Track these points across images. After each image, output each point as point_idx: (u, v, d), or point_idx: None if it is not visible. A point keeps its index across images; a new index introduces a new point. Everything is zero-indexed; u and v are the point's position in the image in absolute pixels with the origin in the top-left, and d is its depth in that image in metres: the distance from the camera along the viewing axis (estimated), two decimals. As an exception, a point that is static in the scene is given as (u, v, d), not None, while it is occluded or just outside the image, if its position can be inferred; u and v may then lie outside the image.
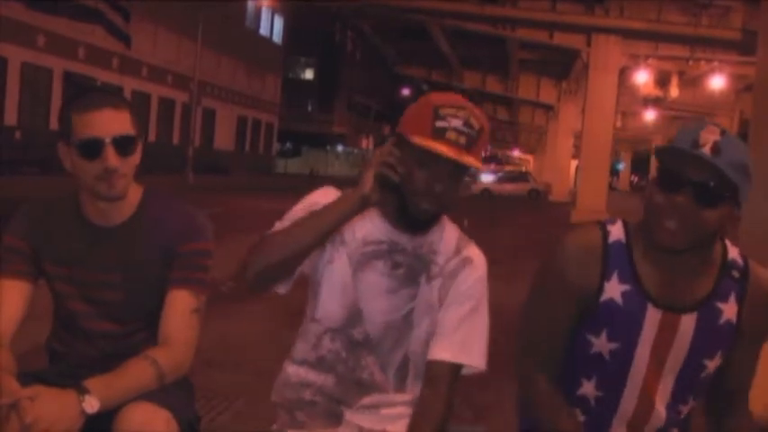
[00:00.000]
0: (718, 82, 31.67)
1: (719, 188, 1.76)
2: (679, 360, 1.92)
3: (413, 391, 2.09)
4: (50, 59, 25.50)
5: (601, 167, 26.09)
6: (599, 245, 1.93)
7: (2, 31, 21.51)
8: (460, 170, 1.95)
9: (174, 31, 32.62)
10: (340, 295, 2.06)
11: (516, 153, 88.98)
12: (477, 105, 2.03)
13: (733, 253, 1.94)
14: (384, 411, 2.08)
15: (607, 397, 1.98)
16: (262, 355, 5.25)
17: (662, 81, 34.92)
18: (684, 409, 2.01)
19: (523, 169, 57.92)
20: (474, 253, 2.11)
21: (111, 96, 2.17)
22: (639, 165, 74.88)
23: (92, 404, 1.89)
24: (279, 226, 2.04)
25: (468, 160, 1.91)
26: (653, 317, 1.89)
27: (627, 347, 1.92)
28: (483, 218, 23.08)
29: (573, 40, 27.76)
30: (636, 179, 76.60)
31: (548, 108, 47.61)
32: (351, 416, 2.08)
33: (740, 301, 1.91)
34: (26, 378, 1.99)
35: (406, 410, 2.09)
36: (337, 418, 2.08)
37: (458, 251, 2.09)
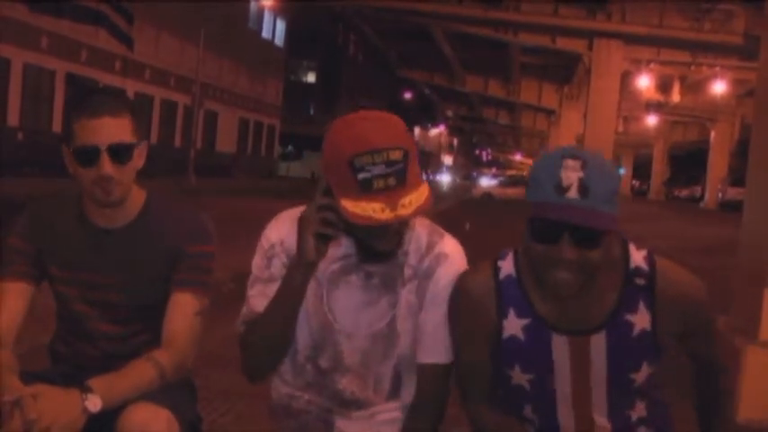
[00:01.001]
0: (719, 87, 31.69)
1: (598, 229, 1.69)
2: (602, 378, 1.86)
3: (409, 395, 2.07)
4: (53, 61, 25.53)
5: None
6: (491, 284, 1.89)
7: (5, 33, 21.54)
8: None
9: (177, 34, 32.64)
10: (308, 322, 2.03)
11: (518, 157, 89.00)
12: (392, 115, 1.88)
13: (637, 259, 1.84)
14: (378, 417, 2.07)
15: (546, 420, 1.95)
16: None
17: (664, 86, 34.95)
18: (634, 414, 1.94)
19: (525, 174, 57.80)
20: (448, 247, 2.03)
21: (111, 102, 2.15)
22: (641, 170, 74.86)
23: (94, 403, 1.90)
24: (249, 294, 2.03)
25: (406, 210, 1.75)
26: (560, 344, 1.85)
27: (543, 377, 1.88)
28: (484, 222, 23.07)
29: (575, 45, 27.80)
30: (637, 184, 76.60)
31: (549, 112, 47.62)
32: (345, 425, 2.07)
33: (651, 308, 1.82)
34: (28, 378, 2.00)
35: (400, 414, 2.08)
36: (329, 426, 2.08)
37: (430, 248, 2.01)
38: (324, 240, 1.84)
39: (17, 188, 14.10)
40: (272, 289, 1.96)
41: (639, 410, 1.95)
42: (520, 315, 1.87)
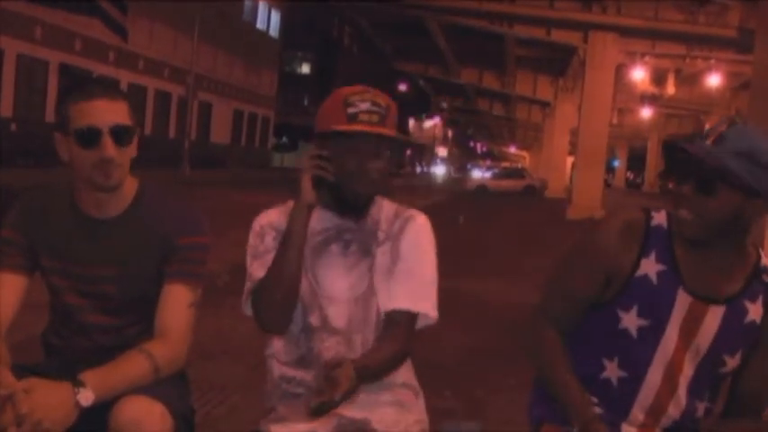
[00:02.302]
0: (714, 80, 31.72)
1: (717, 176, 1.80)
2: (702, 350, 1.95)
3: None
4: (47, 52, 25.42)
5: (597, 164, 26.12)
6: (641, 225, 1.99)
7: (-2, 23, 21.44)
8: (382, 146, 2.10)
9: (171, 25, 32.53)
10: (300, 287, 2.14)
11: (512, 149, 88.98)
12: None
13: (766, 260, 2.00)
14: (366, 399, 2.10)
15: (631, 377, 1.99)
16: (257, 348, 5.22)
17: (658, 78, 34.95)
18: (700, 407, 2.02)
19: (519, 166, 57.92)
20: (414, 212, 2.25)
21: (107, 87, 2.18)
22: (635, 162, 74.94)
23: (87, 397, 1.90)
24: (249, 272, 2.16)
25: (384, 131, 2.08)
26: (683, 301, 1.94)
27: (656, 325, 1.95)
28: (478, 215, 23.10)
29: (570, 37, 27.78)
30: (632, 176, 76.68)
31: (544, 105, 47.62)
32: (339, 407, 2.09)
33: (766, 305, 1.96)
34: (21, 371, 2.00)
35: (388, 397, 2.13)
36: None
37: (399, 214, 2.24)
38: (319, 184, 2.07)
39: (10, 179, 14.06)
40: (270, 258, 2.10)
41: (703, 407, 2.03)
42: (659, 260, 1.95)
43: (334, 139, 2.09)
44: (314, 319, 2.14)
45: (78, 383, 1.91)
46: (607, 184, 52.70)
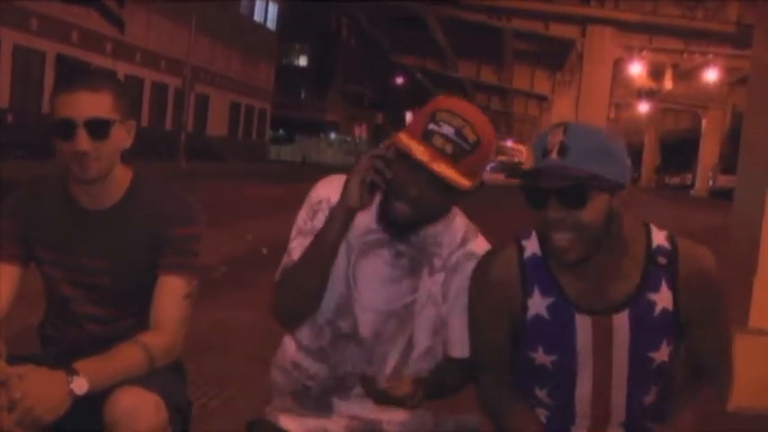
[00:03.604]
0: (711, 75, 31.75)
1: (577, 186, 1.73)
2: (623, 359, 1.88)
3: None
4: (43, 43, 25.34)
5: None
6: (515, 263, 1.91)
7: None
8: (440, 181, 1.86)
9: (168, 16, 32.44)
10: (336, 285, 2.05)
11: (510, 143, 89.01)
12: (489, 123, 1.97)
13: (658, 239, 1.88)
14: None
15: (562, 402, 1.96)
16: (253, 340, 5.24)
17: (656, 73, 34.97)
18: (648, 399, 1.95)
19: (516, 160, 57.88)
20: (479, 247, 2.06)
21: (92, 78, 2.15)
22: (632, 157, 74.90)
23: (80, 385, 1.89)
24: (290, 247, 2.06)
25: (443, 170, 1.83)
26: (583, 324, 1.86)
27: (567, 357, 1.89)
28: (476, 208, 23.11)
29: (568, 31, 27.79)
30: (628, 171, 76.58)
31: (542, 99, 47.63)
32: (342, 405, 2.08)
33: (673, 287, 1.85)
34: (16, 360, 1.98)
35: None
36: (328, 408, 2.08)
37: (463, 243, 2.05)
38: (369, 190, 1.90)
39: (7, 170, 14.02)
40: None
41: (653, 395, 1.96)
42: (544, 294, 1.88)
43: (398, 146, 1.90)
44: (345, 324, 2.05)
45: (72, 372, 1.90)
46: (604, 179, 52.62)
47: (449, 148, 1.84)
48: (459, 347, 2.04)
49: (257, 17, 45.30)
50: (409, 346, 2.06)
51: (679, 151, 61.96)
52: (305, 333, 2.10)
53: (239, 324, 5.91)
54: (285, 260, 2.06)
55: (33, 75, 25.29)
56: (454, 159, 1.85)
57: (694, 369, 1.98)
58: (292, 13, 49.96)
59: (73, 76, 2.16)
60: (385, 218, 2.00)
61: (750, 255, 4.91)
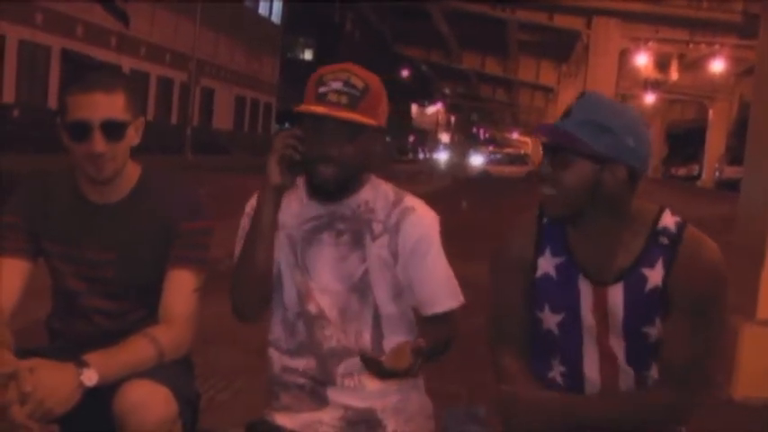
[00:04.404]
0: (718, 65, 31.63)
1: (566, 148, 1.83)
2: (620, 329, 1.91)
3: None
4: (48, 37, 25.35)
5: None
6: (533, 224, 2.01)
7: (0, 9, 21.38)
8: (347, 129, 1.98)
9: (173, 10, 32.42)
10: (291, 277, 2.12)
11: (515, 135, 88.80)
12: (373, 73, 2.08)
13: (667, 221, 1.90)
14: (370, 388, 2.09)
15: (570, 372, 1.98)
16: (261, 333, 5.24)
17: (662, 64, 34.85)
18: (650, 374, 1.95)
19: (522, 152, 57.81)
20: (413, 202, 2.13)
21: (106, 79, 2.15)
22: (638, 148, 74.63)
23: (90, 377, 1.90)
24: (237, 249, 2.13)
25: (347, 115, 1.96)
26: (586, 288, 1.93)
27: (572, 318, 1.94)
28: (481, 200, 23.09)
29: (573, 22, 27.71)
30: (634, 162, 76.29)
31: (547, 90, 47.51)
32: (336, 396, 2.10)
33: (668, 267, 1.86)
34: (25, 354, 1.99)
35: (391, 384, 2.10)
36: (322, 400, 2.10)
37: (396, 203, 2.11)
38: (288, 168, 2.00)
39: (13, 165, 14.06)
40: None
41: (656, 373, 1.94)
42: (555, 254, 1.96)
43: (306, 119, 2.01)
44: (311, 307, 2.11)
45: (82, 364, 1.91)
46: (610, 170, 52.47)
47: (344, 99, 1.97)
48: (432, 303, 2.10)
49: (262, 11, 45.25)
50: (377, 317, 2.11)
51: (685, 142, 61.81)
52: (282, 337, 2.16)
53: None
54: (236, 248, 2.13)
55: (39, 70, 25.31)
56: (352, 106, 1.97)
57: (666, 370, 1.90)
58: (297, 7, 49.89)
59: (85, 74, 2.15)
60: (315, 189, 2.07)
61: (757, 246, 4.90)
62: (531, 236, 2.00)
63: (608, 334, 1.92)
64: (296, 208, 2.12)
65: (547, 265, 1.97)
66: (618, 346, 1.92)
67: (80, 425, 1.97)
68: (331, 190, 2.06)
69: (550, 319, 1.97)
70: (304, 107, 1.98)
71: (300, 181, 2.09)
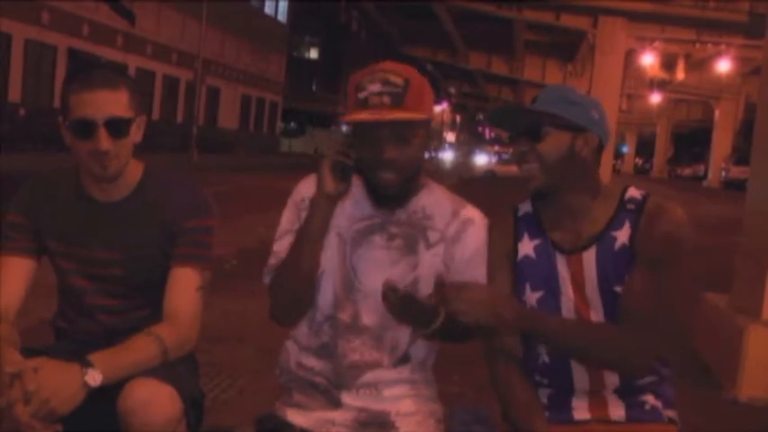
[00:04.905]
0: (724, 65, 31.53)
1: (540, 122, 2.00)
2: (595, 294, 2.02)
3: (417, 358, 2.10)
4: (54, 36, 25.39)
5: (605, 150, 25.97)
6: (510, 217, 2.17)
7: (6, 8, 21.43)
8: (401, 129, 1.95)
9: (179, 9, 32.46)
10: (331, 279, 2.07)
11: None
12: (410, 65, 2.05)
13: (633, 193, 2.07)
14: (385, 393, 2.08)
15: (558, 365, 2.06)
16: (265, 332, 5.24)
17: (668, 64, 34.76)
18: None
19: (528, 151, 57.43)
20: (473, 213, 2.14)
21: (109, 76, 2.14)
22: (644, 148, 74.67)
23: (94, 377, 1.91)
24: (276, 247, 2.09)
25: (393, 115, 1.91)
26: (562, 263, 2.06)
27: (550, 293, 2.06)
28: (487, 199, 23.07)
29: (579, 22, 27.64)
30: (640, 162, 76.41)
31: (553, 90, 47.31)
32: (350, 399, 2.08)
33: (634, 227, 2.00)
34: (31, 353, 2.00)
35: (407, 391, 2.09)
36: (335, 402, 2.09)
37: (455, 213, 2.11)
38: (341, 174, 1.95)
39: (18, 164, 14.09)
40: None
41: None
42: (532, 237, 2.11)
43: (356, 127, 1.98)
44: (345, 316, 2.06)
45: (86, 364, 1.92)
46: (616, 170, 52.50)
47: (386, 99, 1.92)
48: None
49: (268, 10, 45.27)
50: None
51: (691, 142, 61.67)
52: (304, 333, 2.12)
53: (251, 316, 5.93)
54: (272, 261, 2.08)
55: (45, 69, 25.36)
56: (397, 105, 1.93)
57: (625, 319, 1.98)
58: (303, 6, 49.90)
59: (87, 72, 2.15)
60: (376, 197, 2.05)
61: (763, 246, 4.89)
62: (509, 226, 2.14)
63: (585, 302, 2.03)
64: (348, 208, 2.08)
65: (526, 247, 2.11)
66: (595, 314, 2.02)
67: (84, 424, 1.97)
68: (395, 194, 2.03)
69: (531, 298, 2.08)
70: (349, 116, 1.94)
71: (355, 180, 2.03)
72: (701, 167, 52.68)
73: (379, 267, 2.05)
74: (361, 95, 1.94)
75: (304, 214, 2.05)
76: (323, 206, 1.98)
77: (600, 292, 2.01)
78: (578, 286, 2.03)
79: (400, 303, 1.87)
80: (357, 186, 2.07)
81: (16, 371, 1.84)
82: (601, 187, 2.08)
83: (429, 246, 2.07)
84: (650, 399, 2.05)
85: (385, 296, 1.88)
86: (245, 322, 5.71)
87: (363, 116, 1.91)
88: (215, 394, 4.11)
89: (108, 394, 1.94)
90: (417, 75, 2.00)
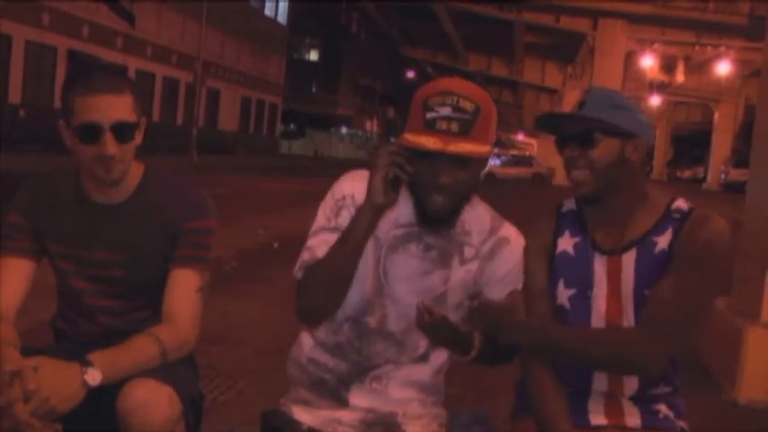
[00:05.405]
0: (723, 67, 31.58)
1: (591, 128, 1.99)
2: (629, 296, 2.02)
3: (437, 359, 2.10)
4: (55, 38, 25.43)
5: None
6: (553, 215, 2.19)
7: (6, 9, 21.45)
8: (462, 156, 1.90)
9: (179, 11, 32.49)
10: (362, 281, 2.04)
11: (520, 137, 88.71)
12: (480, 86, 2.04)
13: (680, 204, 2.07)
14: (393, 394, 2.08)
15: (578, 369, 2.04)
16: (265, 333, 5.26)
17: (668, 66, 34.81)
18: None
19: (527, 154, 57.72)
20: (510, 232, 2.12)
21: (113, 79, 2.13)
22: (644, 150, 74.49)
23: (94, 376, 1.91)
24: (310, 243, 2.05)
25: (460, 148, 1.86)
26: (600, 263, 2.06)
27: (583, 291, 2.06)
28: (488, 202, 23.06)
29: (579, 24, 27.70)
30: (640, 164, 76.19)
31: (552, 92, 47.42)
32: (358, 400, 2.08)
33: (676, 233, 2.01)
34: (30, 353, 2.00)
35: (416, 393, 2.09)
36: (344, 400, 2.08)
37: (493, 231, 2.10)
38: (392, 185, 1.92)
39: (19, 165, 14.10)
40: (335, 238, 1.99)
41: None
42: (573, 235, 2.13)
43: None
44: (371, 320, 2.05)
45: (86, 363, 1.92)
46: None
47: (455, 127, 1.88)
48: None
49: (268, 11, 45.32)
50: None
51: (691, 144, 61.71)
52: (322, 329, 2.11)
53: (250, 317, 5.93)
54: (306, 256, 2.04)
55: (45, 70, 25.39)
56: (464, 134, 1.88)
57: (646, 318, 1.97)
58: (303, 8, 49.94)
59: (89, 75, 2.13)
60: (423, 215, 2.00)
61: (763, 248, 4.89)
62: (551, 222, 2.16)
63: (617, 303, 2.03)
64: (390, 212, 2.03)
65: (565, 243, 2.12)
66: (625, 316, 2.02)
67: (83, 423, 1.97)
68: (443, 218, 2.00)
69: (563, 294, 2.08)
70: (413, 138, 1.88)
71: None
72: (701, 170, 52.72)
73: (411, 276, 2.04)
74: (429, 116, 1.88)
75: (344, 213, 2.03)
76: (369, 216, 1.94)
77: (634, 295, 2.01)
78: (613, 287, 2.04)
79: (435, 326, 1.87)
80: (402, 192, 2.02)
81: (16, 369, 1.84)
82: (648, 193, 2.07)
83: (463, 261, 2.06)
84: (663, 408, 2.06)
85: (419, 317, 1.87)
86: (245, 324, 5.71)
87: (428, 143, 1.85)
88: (214, 396, 4.11)
89: (107, 394, 1.94)
90: (488, 100, 1.96)
